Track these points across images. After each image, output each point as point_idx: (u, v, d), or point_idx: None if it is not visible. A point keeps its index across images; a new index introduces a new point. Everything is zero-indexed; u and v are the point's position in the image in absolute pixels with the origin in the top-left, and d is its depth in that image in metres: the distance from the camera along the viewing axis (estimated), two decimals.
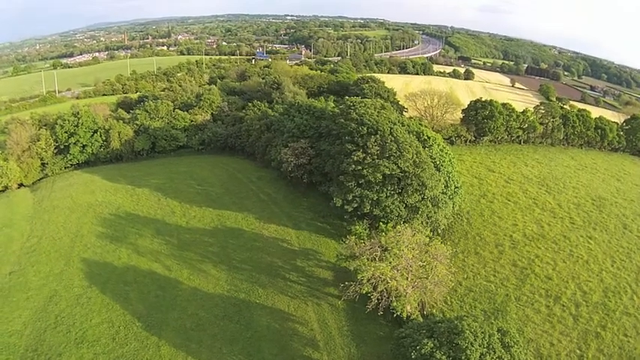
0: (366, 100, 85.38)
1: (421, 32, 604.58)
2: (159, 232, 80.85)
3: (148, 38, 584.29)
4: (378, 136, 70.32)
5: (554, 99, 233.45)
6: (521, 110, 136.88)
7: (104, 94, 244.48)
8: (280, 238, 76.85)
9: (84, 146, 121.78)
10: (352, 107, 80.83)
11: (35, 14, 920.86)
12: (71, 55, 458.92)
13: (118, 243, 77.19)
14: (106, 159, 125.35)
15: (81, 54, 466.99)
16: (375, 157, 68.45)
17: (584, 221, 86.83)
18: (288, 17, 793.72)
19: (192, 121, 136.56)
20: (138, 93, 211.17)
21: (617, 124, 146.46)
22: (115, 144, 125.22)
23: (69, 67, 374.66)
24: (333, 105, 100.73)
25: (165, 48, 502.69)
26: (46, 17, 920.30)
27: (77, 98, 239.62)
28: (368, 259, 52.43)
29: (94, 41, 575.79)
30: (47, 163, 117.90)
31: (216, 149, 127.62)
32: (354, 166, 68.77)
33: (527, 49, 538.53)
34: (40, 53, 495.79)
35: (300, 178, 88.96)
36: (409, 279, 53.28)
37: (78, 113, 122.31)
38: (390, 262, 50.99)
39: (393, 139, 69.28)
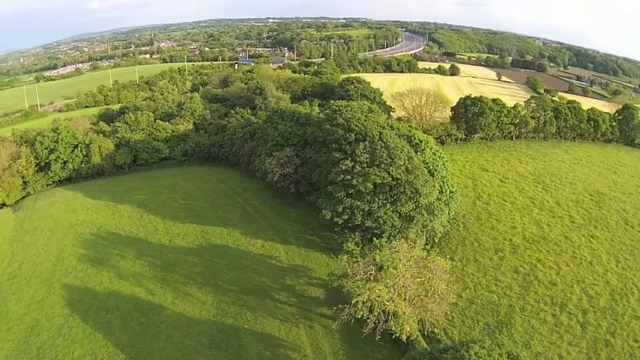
0: (353, 103, 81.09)
1: (404, 29, 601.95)
2: (141, 253, 76.99)
3: (130, 47, 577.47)
4: (366, 142, 66.15)
5: (542, 91, 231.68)
6: (512, 105, 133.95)
7: (86, 106, 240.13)
8: (268, 255, 72.49)
9: (65, 162, 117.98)
10: (338, 112, 76.65)
11: (18, 27, 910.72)
12: (55, 68, 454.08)
13: (100, 266, 73.19)
14: (88, 174, 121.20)
15: (64, 66, 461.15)
16: (365, 165, 64.26)
17: (584, 219, 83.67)
18: (270, 20, 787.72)
19: (174, 131, 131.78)
20: (120, 104, 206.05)
21: (610, 114, 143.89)
22: (96, 159, 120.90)
23: (52, 80, 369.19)
24: (319, 110, 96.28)
25: (148, 56, 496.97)
26: (29, 30, 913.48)
27: (59, 111, 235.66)
28: (362, 280, 48.19)
29: (78, 52, 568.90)
30: (29, 181, 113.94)
31: (200, 159, 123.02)
32: (342, 175, 64.52)
33: (512, 42, 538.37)
34: (24, 66, 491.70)
35: (286, 188, 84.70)
36: (407, 298, 49.25)
37: (57, 129, 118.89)
38: (386, 284, 46.77)
39: (383, 144, 65.20)
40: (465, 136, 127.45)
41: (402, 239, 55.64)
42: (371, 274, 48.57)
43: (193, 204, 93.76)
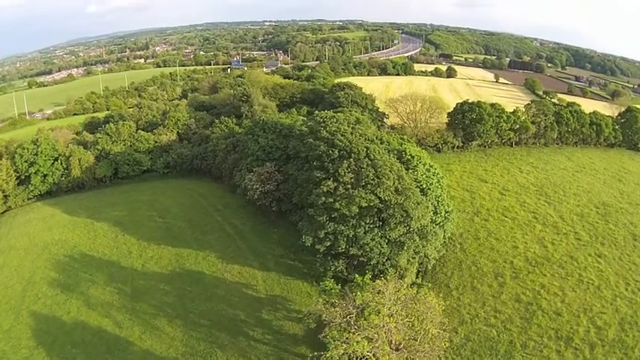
0: (339, 114, 74.29)
1: (400, 31, 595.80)
2: (112, 279, 72.03)
3: (125, 51, 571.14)
4: (351, 159, 59.33)
5: (541, 92, 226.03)
6: (511, 109, 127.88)
7: (75, 114, 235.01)
8: (244, 283, 66.04)
9: (45, 176, 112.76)
10: (322, 124, 70.07)
11: (16, 31, 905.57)
12: (50, 72, 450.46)
13: (69, 292, 68.84)
14: (68, 188, 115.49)
15: (60, 70, 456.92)
16: (349, 186, 57.57)
17: (590, 236, 77.33)
18: (267, 23, 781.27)
19: (156, 142, 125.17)
20: (106, 112, 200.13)
21: (612, 118, 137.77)
22: (76, 172, 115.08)
23: (44, 86, 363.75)
24: (303, 120, 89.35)
25: (142, 61, 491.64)
26: (27, 34, 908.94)
27: (48, 119, 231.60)
28: (339, 329, 41.58)
29: (73, 57, 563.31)
30: (9, 195, 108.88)
31: (183, 172, 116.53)
32: (323, 198, 57.85)
33: (509, 43, 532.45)
34: (20, 71, 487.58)
35: (268, 206, 78.24)
36: (394, 343, 42.67)
37: (37, 141, 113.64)
38: (366, 335, 40.10)
39: (369, 162, 58.45)
40: (462, 144, 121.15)
41: (388, 277, 48.92)
42: (350, 319, 42.01)
43: (171, 223, 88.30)
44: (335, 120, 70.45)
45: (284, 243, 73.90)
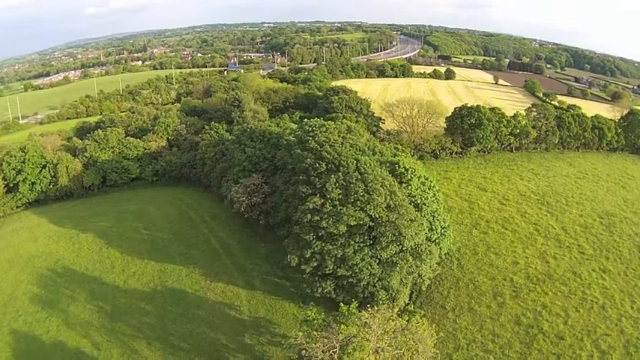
0: (329, 123, 70.18)
1: (399, 33, 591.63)
2: (93, 295, 69.62)
3: (123, 53, 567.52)
4: (340, 174, 55.28)
5: (540, 94, 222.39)
6: (511, 112, 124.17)
7: (68, 118, 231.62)
8: (228, 304, 62.34)
9: (33, 184, 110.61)
10: (311, 133, 66.22)
11: (15, 33, 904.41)
12: (48, 75, 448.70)
13: (50, 309, 66.74)
14: (57, 197, 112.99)
15: (57, 73, 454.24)
16: (337, 202, 53.51)
17: (594, 249, 73.40)
18: (265, 25, 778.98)
19: (145, 148, 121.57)
20: (99, 116, 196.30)
21: (614, 121, 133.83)
22: (63, 180, 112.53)
23: (39, 89, 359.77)
24: (292, 129, 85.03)
25: (139, 63, 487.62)
26: (26, 36, 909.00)
27: (41, 124, 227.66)
28: None
29: (71, 59, 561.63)
30: None
31: (172, 180, 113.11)
32: (309, 215, 53.84)
33: (508, 44, 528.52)
34: (18, 73, 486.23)
35: (256, 219, 74.43)
36: None
37: (25, 148, 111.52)
38: None
39: (359, 177, 54.38)
40: (460, 150, 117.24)
41: (377, 306, 44.91)
42: (334, 354, 38.15)
43: (156, 235, 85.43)
44: (324, 129, 66.48)
45: (271, 259, 70.13)
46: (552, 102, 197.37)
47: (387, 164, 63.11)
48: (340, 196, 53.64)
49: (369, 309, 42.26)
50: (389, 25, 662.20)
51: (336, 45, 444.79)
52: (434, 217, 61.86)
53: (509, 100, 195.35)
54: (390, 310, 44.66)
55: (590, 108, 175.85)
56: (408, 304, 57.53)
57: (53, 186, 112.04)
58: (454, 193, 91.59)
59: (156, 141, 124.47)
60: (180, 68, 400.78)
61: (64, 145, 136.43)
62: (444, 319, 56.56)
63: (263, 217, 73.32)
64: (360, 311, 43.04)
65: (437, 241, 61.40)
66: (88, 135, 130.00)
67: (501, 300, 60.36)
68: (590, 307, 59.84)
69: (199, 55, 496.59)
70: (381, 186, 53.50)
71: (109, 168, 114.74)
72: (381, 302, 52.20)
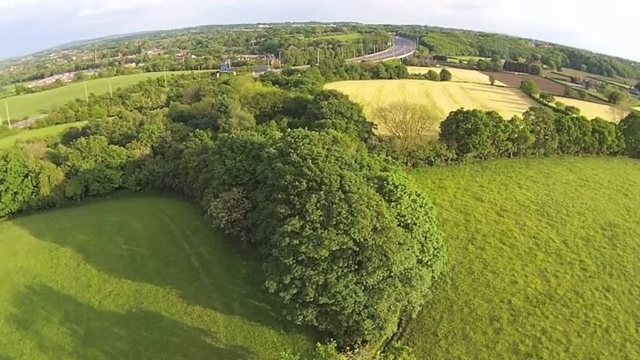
0: (313, 133, 65.20)
1: (394, 33, 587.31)
2: (68, 317, 67.18)
3: (117, 55, 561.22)
4: (321, 193, 50.55)
5: (537, 96, 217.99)
6: (508, 114, 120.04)
7: (57, 123, 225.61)
8: (204, 330, 57.86)
9: (15, 193, 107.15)
10: (293, 145, 61.54)
11: (12, 35, 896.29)
12: (42, 77, 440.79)
13: (24, 331, 64.72)
14: (39, 207, 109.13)
15: (52, 75, 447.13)
16: (318, 225, 48.80)
17: (597, 265, 69.25)
18: (260, 26, 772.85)
19: (129, 156, 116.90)
20: (86, 121, 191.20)
21: (615, 124, 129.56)
22: (45, 190, 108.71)
23: (32, 92, 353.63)
24: (278, 136, 79.92)
25: (133, 65, 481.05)
26: (22, 37, 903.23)
27: (30, 128, 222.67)
28: None
29: (66, 61, 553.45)
30: None
31: (155, 190, 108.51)
32: (288, 239, 49.03)
33: (503, 44, 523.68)
34: (13, 75, 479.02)
35: (237, 235, 69.69)
36: None
37: (7, 157, 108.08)
38: None
39: (342, 196, 49.69)
40: (456, 156, 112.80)
41: (356, 347, 40.32)
42: None
43: (135, 251, 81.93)
44: (308, 141, 61.74)
45: (253, 279, 65.44)
46: (550, 103, 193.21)
47: (375, 180, 58.26)
48: (321, 218, 48.82)
49: (349, 352, 37.61)
50: (384, 25, 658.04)
51: (330, 46, 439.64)
52: (425, 237, 57.17)
53: (505, 102, 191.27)
54: (373, 351, 39.96)
55: (588, 110, 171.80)
56: (397, 332, 52.84)
57: (35, 196, 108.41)
58: (449, 204, 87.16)
59: (140, 149, 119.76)
60: (174, 70, 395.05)
61: (49, 152, 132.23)
62: (435, 349, 52.05)
63: (244, 233, 68.68)
64: (339, 352, 38.41)
65: (429, 263, 56.83)
66: (72, 143, 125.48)
67: (498, 325, 55.85)
68: (593, 332, 55.86)
69: (193, 57, 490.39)
70: (367, 206, 48.73)
71: (91, 177, 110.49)
72: (367, 332, 47.71)
